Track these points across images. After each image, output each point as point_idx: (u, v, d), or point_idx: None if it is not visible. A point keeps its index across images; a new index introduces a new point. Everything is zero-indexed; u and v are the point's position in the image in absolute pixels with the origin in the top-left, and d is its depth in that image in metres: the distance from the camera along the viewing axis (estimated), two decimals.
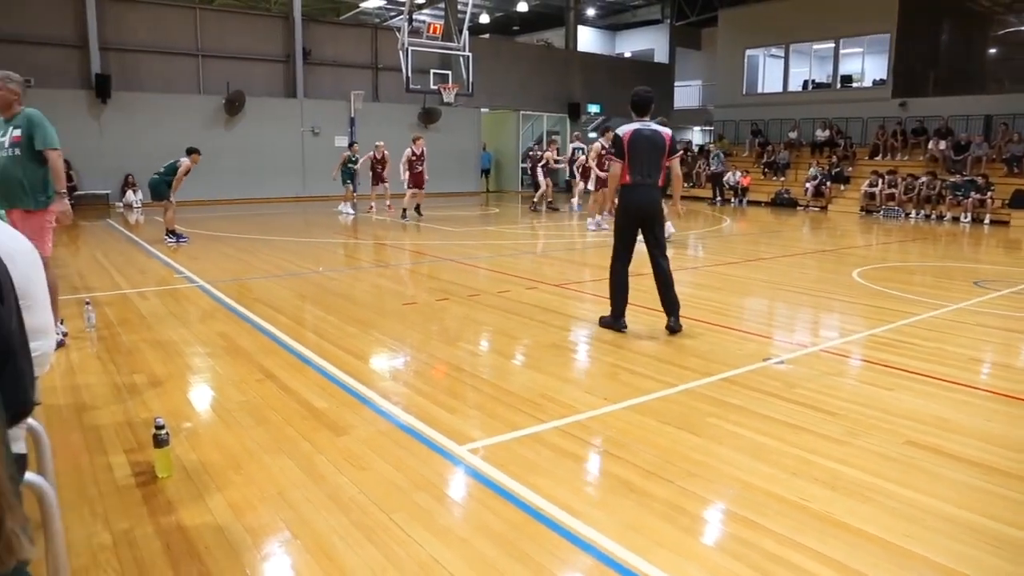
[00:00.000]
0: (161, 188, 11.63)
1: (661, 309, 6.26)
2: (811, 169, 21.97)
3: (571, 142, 15.56)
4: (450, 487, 3.40)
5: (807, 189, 21.51)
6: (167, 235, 11.85)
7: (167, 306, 7.20)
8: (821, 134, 23.70)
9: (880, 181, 19.90)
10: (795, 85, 26.30)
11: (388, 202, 17.87)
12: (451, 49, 19.61)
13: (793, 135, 24.49)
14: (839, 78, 25.21)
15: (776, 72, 26.88)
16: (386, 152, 17.11)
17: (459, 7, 22.86)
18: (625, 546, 2.83)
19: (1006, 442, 3.93)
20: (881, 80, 23.82)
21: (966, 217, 18.00)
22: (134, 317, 6.70)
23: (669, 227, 12.59)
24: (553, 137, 21.84)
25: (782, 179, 23.40)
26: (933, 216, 18.74)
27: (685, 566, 2.71)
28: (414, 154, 16.41)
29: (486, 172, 27.85)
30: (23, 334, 2.18)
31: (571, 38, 29.22)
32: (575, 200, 18.17)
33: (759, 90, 27.43)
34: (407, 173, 16.43)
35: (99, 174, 18.91)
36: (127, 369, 5.11)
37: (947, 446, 3.86)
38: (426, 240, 13.11)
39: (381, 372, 5.26)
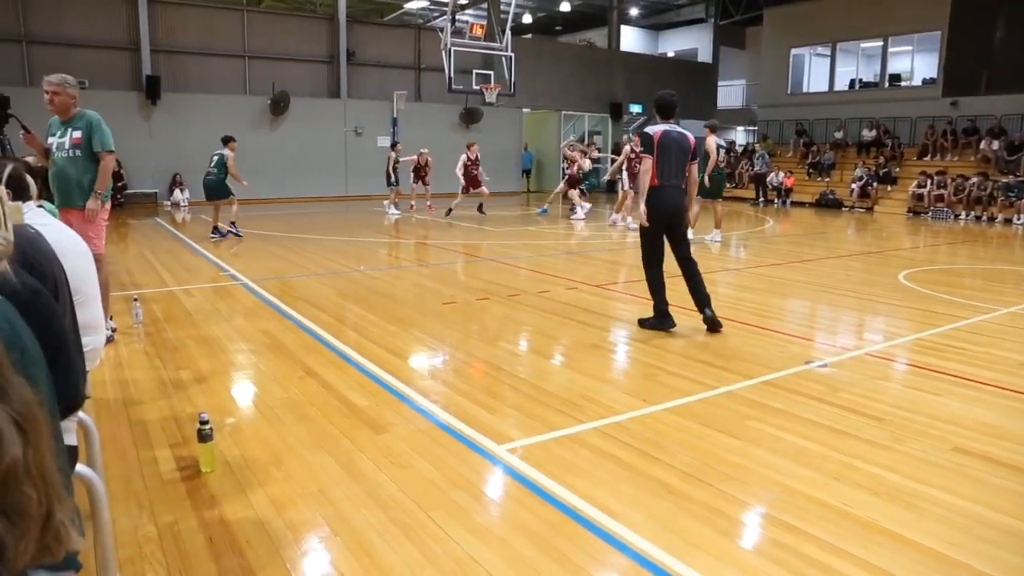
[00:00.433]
0: (221, 187, 12.02)
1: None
2: (857, 170, 21.57)
3: (625, 143, 15.29)
4: (488, 486, 3.42)
5: (852, 190, 21.13)
6: (231, 226, 12.35)
7: (212, 303, 7.34)
8: (868, 134, 23.25)
9: (929, 182, 19.46)
10: (841, 84, 25.82)
11: (429, 202, 18.02)
12: (493, 49, 19.63)
13: (839, 135, 24.08)
14: (887, 77, 24.71)
15: (822, 71, 26.43)
16: (430, 159, 17.42)
17: (502, 7, 22.90)
18: (662, 548, 2.81)
19: None
20: (931, 79, 23.28)
21: (1019, 219, 17.52)
22: (180, 313, 6.84)
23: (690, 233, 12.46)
24: (573, 141, 21.61)
25: (827, 180, 23.01)
26: (984, 218, 18.29)
27: (723, 570, 2.69)
28: (469, 159, 16.61)
29: (527, 172, 27.88)
30: (76, 330, 2.24)
31: (614, 38, 29.07)
32: (617, 215, 15.91)
33: (804, 89, 26.99)
34: (465, 179, 16.63)
35: (148, 173, 19.35)
36: (173, 365, 5.22)
37: (996, 453, 3.76)
38: (467, 240, 13.16)
39: (421, 371, 5.30)
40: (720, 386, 4.82)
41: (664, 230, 6.29)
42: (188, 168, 19.01)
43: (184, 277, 8.78)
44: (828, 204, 21.59)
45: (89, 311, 2.74)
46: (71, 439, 2.39)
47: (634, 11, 32.21)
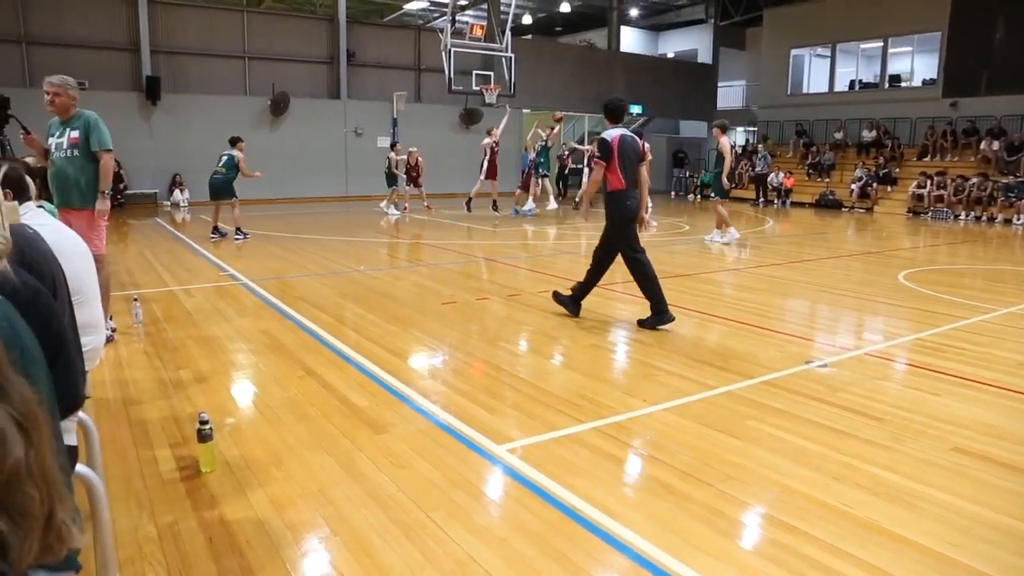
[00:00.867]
0: (228, 186, 11.99)
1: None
2: (857, 170, 21.58)
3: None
4: (488, 486, 3.42)
5: (852, 190, 21.14)
6: (237, 232, 12.20)
7: (212, 303, 7.34)
8: (868, 135, 23.25)
9: (929, 182, 19.47)
10: (841, 85, 25.82)
11: (427, 202, 18.02)
12: (493, 50, 19.64)
13: (839, 136, 24.09)
14: (887, 78, 24.72)
15: (822, 72, 26.42)
16: (420, 159, 17.41)
17: (502, 8, 22.90)
18: (662, 548, 2.81)
19: None
20: (931, 79, 23.29)
21: (1019, 219, 17.53)
22: (180, 313, 6.84)
23: (715, 236, 12.59)
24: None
25: (827, 180, 23.02)
26: (984, 218, 18.29)
27: (723, 570, 2.69)
28: (496, 143, 17.07)
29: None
30: (75, 329, 2.24)
31: (613, 38, 29.06)
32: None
33: (804, 90, 26.99)
34: (488, 164, 16.99)
35: (148, 174, 19.35)
36: (173, 365, 5.22)
37: (995, 453, 3.76)
38: (467, 240, 13.17)
39: (421, 371, 5.30)
40: (720, 386, 4.82)
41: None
42: (188, 168, 19.03)
43: (184, 277, 8.78)
44: (828, 204, 21.60)
45: (89, 311, 2.75)
46: (71, 439, 2.39)
47: (634, 12, 32.20)
